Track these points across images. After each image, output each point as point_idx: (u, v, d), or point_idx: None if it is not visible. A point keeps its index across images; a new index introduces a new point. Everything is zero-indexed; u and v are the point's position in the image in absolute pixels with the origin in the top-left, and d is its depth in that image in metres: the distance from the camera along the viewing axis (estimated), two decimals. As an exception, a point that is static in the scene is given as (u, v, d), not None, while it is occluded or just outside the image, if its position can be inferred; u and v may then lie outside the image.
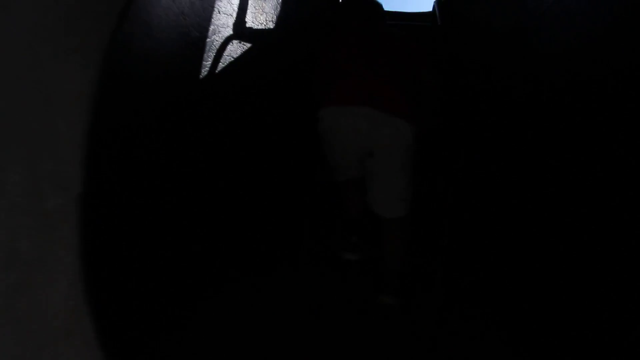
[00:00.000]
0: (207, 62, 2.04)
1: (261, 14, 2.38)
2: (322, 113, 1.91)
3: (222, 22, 2.10)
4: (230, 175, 2.20)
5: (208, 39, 2.01)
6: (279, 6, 2.51)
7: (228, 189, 2.18)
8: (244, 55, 2.35)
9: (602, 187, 1.29)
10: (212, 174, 2.04)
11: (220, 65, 2.16)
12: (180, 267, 1.82)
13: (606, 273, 1.23)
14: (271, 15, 2.48)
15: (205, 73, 2.02)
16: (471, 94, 2.40)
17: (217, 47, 2.10)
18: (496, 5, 2.27)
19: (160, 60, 1.55)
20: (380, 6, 2.18)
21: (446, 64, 2.51)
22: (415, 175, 1.90)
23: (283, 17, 2.57)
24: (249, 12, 2.28)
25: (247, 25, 2.33)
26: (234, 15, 2.19)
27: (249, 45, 2.36)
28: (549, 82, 1.76)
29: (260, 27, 2.41)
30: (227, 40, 2.19)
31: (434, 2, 2.78)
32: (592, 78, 1.43)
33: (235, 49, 2.26)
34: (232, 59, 2.24)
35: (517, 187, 1.99)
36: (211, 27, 2.02)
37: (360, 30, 2.03)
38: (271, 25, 2.50)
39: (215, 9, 2.03)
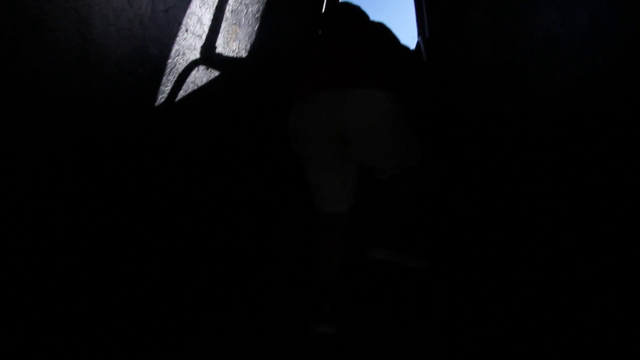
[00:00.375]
0: (166, 87, 1.69)
1: (234, 41, 2.09)
2: (289, 119, 1.65)
3: (189, 43, 1.78)
4: (181, 219, 1.79)
5: (170, 60, 1.68)
6: (254, 34, 2.25)
7: (177, 236, 1.76)
8: (211, 84, 2.02)
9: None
10: (157, 216, 1.63)
11: (182, 93, 1.81)
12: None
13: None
14: (245, 43, 2.20)
15: (163, 99, 1.67)
16: (465, 132, 2.21)
17: (179, 70, 1.77)
18: (486, 41, 2.15)
19: (103, 73, 1.19)
20: (364, 14, 1.97)
21: (435, 103, 2.33)
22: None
23: (258, 46, 2.30)
24: (220, 36, 1.99)
25: (218, 51, 2.03)
26: (204, 37, 1.89)
27: (217, 73, 2.04)
28: (541, 120, 1.58)
29: (232, 54, 2.11)
30: (193, 65, 1.87)
31: (418, 40, 2.66)
32: (587, 118, 1.26)
33: (202, 76, 1.93)
34: (196, 87, 1.90)
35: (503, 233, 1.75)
36: (175, 47, 1.69)
37: (337, 31, 1.81)
38: (244, 54, 2.22)
39: (183, 27, 1.71)
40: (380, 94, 1.43)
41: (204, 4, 1.83)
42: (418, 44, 2.68)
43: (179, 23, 1.67)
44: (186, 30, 1.75)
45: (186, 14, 1.72)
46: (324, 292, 1.72)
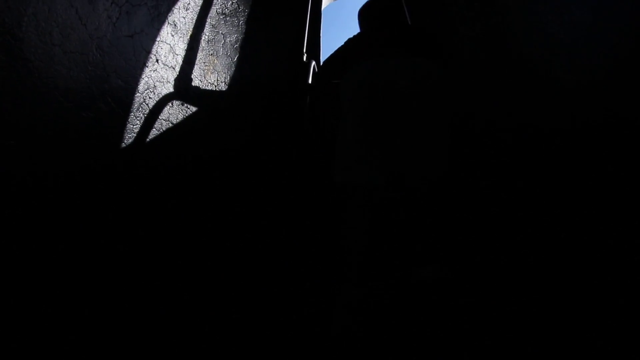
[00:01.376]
0: (134, 126, 1.43)
1: (212, 73, 1.87)
2: None
3: (161, 75, 1.55)
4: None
5: (138, 94, 1.43)
6: (233, 66, 2.04)
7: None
8: (188, 121, 1.77)
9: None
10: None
11: (154, 132, 1.55)
12: None
13: None
14: (224, 75, 1.98)
15: (131, 140, 1.40)
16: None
17: (150, 106, 1.51)
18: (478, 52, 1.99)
19: (44, 105, 0.92)
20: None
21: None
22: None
23: (237, 79, 2.08)
24: (197, 67, 1.77)
25: (194, 84, 1.79)
26: (177, 69, 1.66)
27: (194, 109, 1.80)
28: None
29: (210, 88, 1.88)
30: (166, 100, 1.62)
31: None
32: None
33: (177, 112, 1.68)
34: (171, 124, 1.65)
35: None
36: (144, 79, 1.45)
37: None
38: (223, 88, 1.99)
39: (152, 57, 1.48)
40: None
41: (176, 32, 1.61)
42: None
43: (147, 51, 1.44)
44: (156, 61, 1.51)
45: (156, 42, 1.49)
46: None
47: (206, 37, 1.84)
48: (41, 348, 0.91)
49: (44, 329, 0.93)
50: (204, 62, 1.84)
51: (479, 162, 1.97)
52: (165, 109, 1.62)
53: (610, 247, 1.14)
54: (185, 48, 1.71)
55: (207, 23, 1.83)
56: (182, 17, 1.64)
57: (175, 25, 1.60)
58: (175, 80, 1.66)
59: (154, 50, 1.48)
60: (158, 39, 1.51)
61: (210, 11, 1.86)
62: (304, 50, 2.32)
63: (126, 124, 1.39)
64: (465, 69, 2.05)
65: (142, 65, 1.43)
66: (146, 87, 1.47)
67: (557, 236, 1.38)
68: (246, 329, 1.50)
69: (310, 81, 2.05)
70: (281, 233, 2.00)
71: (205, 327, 1.48)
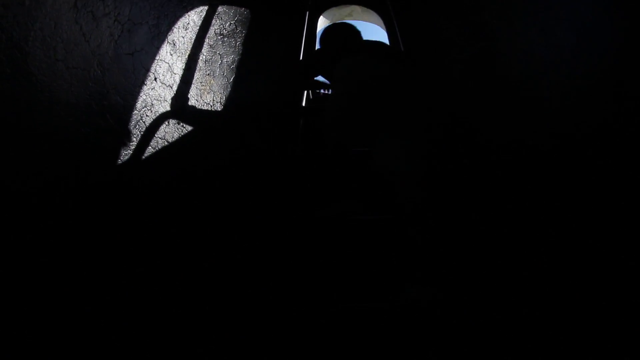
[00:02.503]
0: (131, 143, 1.42)
1: (208, 93, 1.89)
2: None
3: (158, 93, 1.56)
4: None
5: (136, 112, 1.43)
6: (229, 86, 2.06)
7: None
8: (183, 140, 1.77)
9: None
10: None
11: (150, 150, 1.54)
12: None
13: None
14: (220, 95, 2.00)
15: (127, 157, 1.39)
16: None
17: (147, 124, 1.52)
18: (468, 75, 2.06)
19: (46, 120, 0.91)
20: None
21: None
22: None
23: (233, 99, 2.10)
24: (193, 87, 1.78)
25: (190, 103, 1.81)
26: (175, 88, 1.67)
27: (190, 128, 1.80)
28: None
29: (206, 108, 1.90)
30: (163, 119, 1.62)
31: None
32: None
33: (172, 131, 1.68)
34: (167, 143, 1.65)
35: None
36: (142, 97, 1.46)
37: None
38: (219, 108, 2.01)
39: (151, 75, 1.49)
40: None
41: (175, 51, 1.63)
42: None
43: (146, 70, 1.46)
44: (155, 79, 1.53)
45: (155, 61, 1.51)
46: None
47: (204, 57, 1.87)
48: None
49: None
50: (200, 82, 1.86)
51: (467, 177, 2.00)
52: (162, 127, 1.62)
53: (595, 265, 1.16)
54: (183, 67, 1.73)
55: (205, 43, 1.86)
56: (182, 36, 1.67)
57: (174, 44, 1.63)
58: (173, 99, 1.67)
59: (152, 69, 1.50)
60: (157, 57, 1.52)
61: (209, 32, 1.89)
62: (299, 71, 2.36)
63: (123, 141, 1.39)
64: (455, 90, 2.11)
65: (141, 83, 1.44)
66: (144, 104, 1.48)
67: (551, 248, 1.40)
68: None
69: (304, 103, 2.10)
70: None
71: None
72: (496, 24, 1.84)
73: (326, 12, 2.89)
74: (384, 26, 2.83)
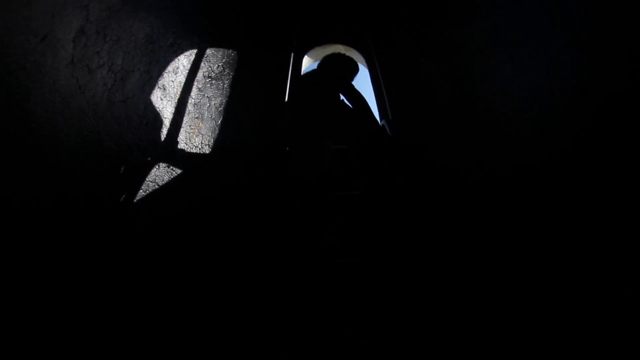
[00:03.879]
0: (124, 186, 1.43)
1: (197, 136, 1.93)
2: None
3: (150, 137, 1.59)
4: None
5: (128, 156, 1.45)
6: (217, 128, 2.11)
7: None
8: (173, 183, 1.78)
9: None
10: None
11: (141, 193, 1.55)
12: None
13: None
14: (208, 137, 2.04)
15: (121, 199, 1.40)
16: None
17: (139, 168, 1.53)
18: (449, 114, 2.15)
19: (49, 170, 0.93)
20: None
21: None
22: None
23: (221, 141, 2.14)
24: (182, 130, 1.82)
25: (180, 146, 1.84)
26: (165, 132, 1.71)
27: (179, 171, 1.82)
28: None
29: (194, 150, 1.93)
30: (154, 162, 1.65)
31: (382, 122, 2.62)
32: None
33: (162, 174, 1.70)
34: (157, 186, 1.66)
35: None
36: (134, 142, 1.48)
37: None
38: (207, 150, 2.04)
39: (143, 120, 1.53)
40: None
41: (165, 96, 1.68)
42: (383, 126, 2.67)
43: (138, 115, 1.49)
44: (146, 124, 1.56)
45: (146, 106, 1.55)
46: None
47: (192, 100, 1.92)
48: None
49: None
50: (189, 125, 1.90)
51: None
52: (153, 170, 1.64)
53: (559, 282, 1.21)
54: (173, 111, 1.77)
55: (194, 86, 1.92)
56: (171, 80, 1.72)
57: (164, 89, 1.67)
58: (163, 142, 1.70)
59: (144, 114, 1.53)
60: (148, 102, 1.56)
61: (197, 75, 1.95)
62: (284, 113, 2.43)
63: (116, 185, 1.39)
64: (435, 124, 2.20)
65: (133, 128, 1.46)
66: (136, 149, 1.50)
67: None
68: None
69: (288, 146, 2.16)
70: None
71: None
72: (473, 62, 1.96)
73: (310, 52, 3.01)
74: (365, 64, 2.96)
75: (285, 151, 2.28)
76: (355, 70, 2.10)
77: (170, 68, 1.78)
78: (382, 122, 2.65)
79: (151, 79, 1.61)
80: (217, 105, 2.17)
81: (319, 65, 2.04)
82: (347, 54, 3.04)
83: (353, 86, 2.13)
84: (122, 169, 1.41)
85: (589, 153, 1.23)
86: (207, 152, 2.11)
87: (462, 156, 2.11)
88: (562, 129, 1.38)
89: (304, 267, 1.93)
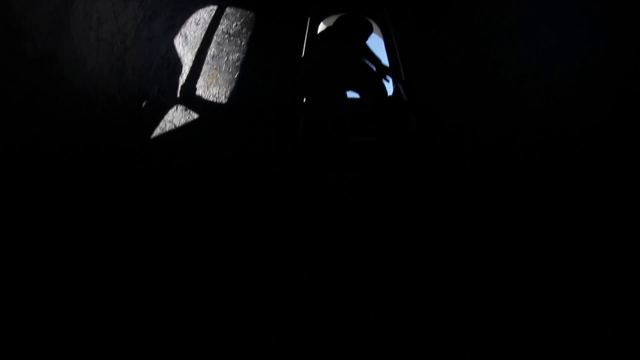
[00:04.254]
0: (143, 121, 1.56)
1: (214, 86, 2.05)
2: None
3: (170, 80, 1.71)
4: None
5: (149, 92, 1.58)
6: (234, 82, 2.22)
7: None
8: (190, 127, 1.91)
9: None
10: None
11: (158, 131, 1.68)
12: None
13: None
14: (225, 89, 2.16)
15: (139, 134, 1.53)
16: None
17: (158, 106, 1.66)
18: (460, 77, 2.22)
19: (75, 87, 1.05)
20: None
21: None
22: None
23: (237, 94, 2.26)
24: (201, 79, 1.94)
25: (198, 93, 1.96)
26: (184, 77, 1.83)
27: (196, 116, 1.95)
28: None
29: (212, 99, 2.05)
30: (172, 103, 1.77)
31: (396, 84, 2.68)
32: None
33: (180, 116, 1.83)
34: (174, 127, 1.79)
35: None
36: (156, 80, 1.61)
37: None
38: (224, 101, 2.16)
39: (165, 61, 1.65)
40: None
41: (186, 44, 1.80)
42: (397, 87, 2.74)
43: (161, 56, 1.61)
44: (167, 66, 1.68)
45: (168, 49, 1.67)
46: None
47: (212, 52, 2.04)
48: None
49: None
50: (208, 75, 2.02)
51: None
52: (171, 111, 1.77)
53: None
54: (193, 59, 1.89)
55: (213, 40, 2.03)
56: (193, 31, 1.84)
57: (186, 37, 1.79)
58: (182, 87, 1.82)
59: (166, 56, 1.65)
60: (171, 46, 1.68)
61: (217, 29, 2.06)
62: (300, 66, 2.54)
63: (136, 118, 1.52)
64: (448, 89, 2.28)
65: (156, 67, 1.59)
66: (157, 88, 1.63)
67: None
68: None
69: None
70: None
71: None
72: (485, 28, 2.02)
73: (326, 19, 3.10)
74: (381, 34, 3.03)
75: (302, 105, 2.38)
76: (370, 30, 2.19)
77: (192, 19, 1.89)
78: (397, 87, 2.72)
79: (174, 25, 1.72)
80: (235, 60, 2.28)
81: (334, 24, 2.12)
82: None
83: (368, 46, 2.22)
84: (143, 103, 1.53)
85: (605, 124, 1.25)
86: (224, 102, 2.23)
87: (473, 121, 2.16)
88: (575, 96, 1.43)
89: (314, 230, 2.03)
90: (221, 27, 2.14)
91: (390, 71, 2.15)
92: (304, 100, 2.35)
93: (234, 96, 2.29)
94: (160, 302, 1.02)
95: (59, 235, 1.02)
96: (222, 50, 2.16)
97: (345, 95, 2.15)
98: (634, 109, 1.08)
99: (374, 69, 2.09)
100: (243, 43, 2.36)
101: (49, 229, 1.00)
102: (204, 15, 2.00)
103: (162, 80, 1.65)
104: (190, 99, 1.90)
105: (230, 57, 2.24)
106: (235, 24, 2.29)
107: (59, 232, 1.02)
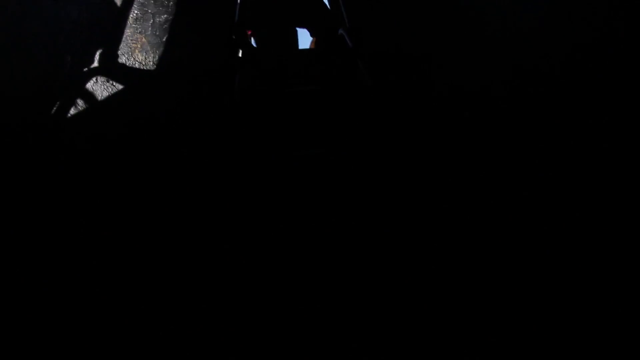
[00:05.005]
0: (53, 94, 1.41)
1: (140, 51, 1.88)
2: None
3: (85, 48, 1.55)
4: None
5: (57, 64, 1.42)
6: (162, 46, 2.05)
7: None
8: (112, 98, 1.76)
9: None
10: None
11: (72, 111, 1.53)
12: None
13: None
14: (152, 55, 1.99)
15: (53, 109, 1.39)
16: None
17: (74, 78, 1.50)
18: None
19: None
20: None
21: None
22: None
23: (166, 59, 2.10)
24: (123, 44, 1.77)
25: (120, 60, 1.80)
26: (103, 43, 1.65)
27: (120, 87, 1.79)
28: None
29: (137, 66, 1.89)
30: (90, 74, 1.61)
31: (340, 31, 2.51)
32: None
33: (101, 88, 1.67)
34: (95, 100, 1.64)
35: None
36: (66, 49, 1.44)
37: None
38: (152, 67, 2.00)
39: (76, 28, 1.47)
40: None
41: (103, 6, 1.62)
42: (341, 36, 2.57)
43: (71, 21, 1.44)
44: (80, 32, 1.51)
45: (80, 12, 1.49)
46: None
47: (134, 14, 1.85)
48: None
49: None
50: (131, 40, 1.85)
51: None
52: (89, 84, 1.61)
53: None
54: (112, 24, 1.71)
55: (135, 1, 1.84)
56: (109, -11, 1.65)
57: (101, -3, 1.61)
58: (101, 55, 1.66)
59: (78, 20, 1.48)
60: (83, 8, 1.50)
61: (138, -12, 1.87)
62: (234, 30, 2.38)
63: (47, 91, 1.38)
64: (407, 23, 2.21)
65: (66, 34, 1.42)
66: (70, 58, 1.46)
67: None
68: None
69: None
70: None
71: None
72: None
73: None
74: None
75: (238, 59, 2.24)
76: None
77: (107, -25, 1.69)
78: (340, 32, 2.55)
79: (86, -17, 1.53)
80: (162, 22, 2.10)
81: None
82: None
83: None
84: (53, 76, 1.38)
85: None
86: (152, 68, 2.07)
87: (442, 54, 2.10)
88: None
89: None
90: (143, -15, 1.93)
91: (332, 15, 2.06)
92: (242, 51, 2.21)
93: (163, 61, 2.13)
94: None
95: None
96: (146, 12, 1.97)
97: (295, 31, 2.04)
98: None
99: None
100: (170, 3, 2.17)
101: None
102: (121, -29, 1.80)
103: (76, 49, 1.49)
104: (111, 68, 1.74)
105: (157, 19, 2.06)
106: (160, -19, 2.09)
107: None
